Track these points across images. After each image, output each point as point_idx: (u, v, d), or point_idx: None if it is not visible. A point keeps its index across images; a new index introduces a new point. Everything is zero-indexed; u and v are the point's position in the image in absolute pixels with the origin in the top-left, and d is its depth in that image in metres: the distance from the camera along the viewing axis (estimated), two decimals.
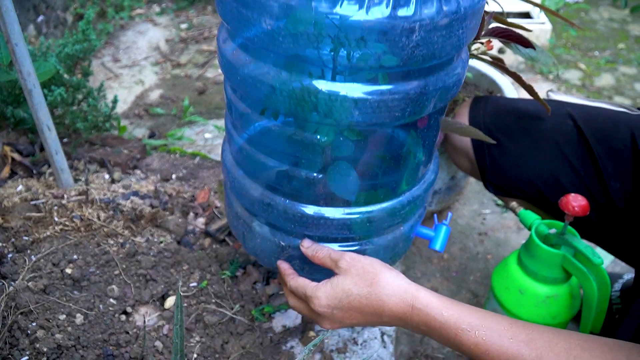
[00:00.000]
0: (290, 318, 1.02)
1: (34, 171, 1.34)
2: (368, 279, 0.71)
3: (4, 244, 1.07)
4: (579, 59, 2.42)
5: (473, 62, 1.51)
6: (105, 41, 2.41)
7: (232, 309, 1.00)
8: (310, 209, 0.76)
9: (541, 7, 1.09)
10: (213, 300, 1.01)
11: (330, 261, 0.76)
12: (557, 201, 0.92)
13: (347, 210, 0.77)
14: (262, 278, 1.09)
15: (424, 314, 0.68)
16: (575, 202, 0.89)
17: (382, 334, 1.01)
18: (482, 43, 1.00)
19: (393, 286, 0.70)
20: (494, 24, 0.98)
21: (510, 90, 1.41)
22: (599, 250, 1.23)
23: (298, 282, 0.78)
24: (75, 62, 1.43)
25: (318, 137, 0.68)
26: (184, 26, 2.57)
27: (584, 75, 2.30)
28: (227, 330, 0.97)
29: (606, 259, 1.39)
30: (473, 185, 1.66)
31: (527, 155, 1.06)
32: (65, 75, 1.39)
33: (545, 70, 2.26)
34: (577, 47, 2.53)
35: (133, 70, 2.24)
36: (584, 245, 0.91)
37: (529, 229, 0.99)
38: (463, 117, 1.12)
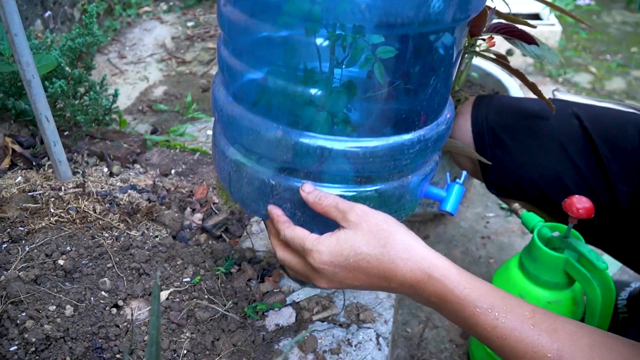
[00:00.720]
0: (284, 317, 1.00)
1: (34, 163, 1.33)
2: (382, 237, 0.63)
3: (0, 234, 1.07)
4: (589, 62, 2.39)
5: (478, 62, 1.48)
6: (112, 38, 2.41)
7: (224, 305, 0.98)
8: (307, 138, 0.66)
9: (552, 5, 1.07)
10: (206, 296, 0.99)
11: (336, 212, 0.66)
12: (561, 203, 0.89)
13: (350, 142, 0.66)
14: (257, 275, 1.07)
15: (440, 285, 0.61)
16: (580, 204, 0.87)
17: (378, 336, 0.99)
18: (483, 39, 0.98)
19: (410, 250, 0.62)
20: (496, 20, 0.95)
21: (517, 90, 1.38)
22: (606, 257, 1.20)
23: (295, 232, 0.68)
24: (77, 56, 1.42)
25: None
26: (190, 24, 2.57)
27: (595, 78, 2.27)
28: (219, 327, 0.95)
29: (613, 267, 1.36)
30: (477, 188, 1.63)
31: (530, 155, 1.03)
32: (67, 69, 1.38)
33: (554, 72, 2.23)
34: (587, 50, 2.49)
35: (138, 66, 2.24)
36: (588, 249, 0.89)
37: (532, 231, 0.96)
38: (465, 115, 1.10)
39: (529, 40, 0.92)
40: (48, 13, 2.07)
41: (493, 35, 0.97)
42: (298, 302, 1.04)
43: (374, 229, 0.63)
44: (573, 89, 2.16)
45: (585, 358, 0.56)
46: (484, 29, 0.92)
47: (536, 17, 2.28)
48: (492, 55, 1.02)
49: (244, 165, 0.74)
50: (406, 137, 0.69)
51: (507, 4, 1.12)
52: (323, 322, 1.01)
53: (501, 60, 1.01)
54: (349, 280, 0.65)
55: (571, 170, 0.99)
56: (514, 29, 0.92)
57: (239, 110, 0.71)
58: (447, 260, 0.63)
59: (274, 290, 1.05)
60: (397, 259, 0.62)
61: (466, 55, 1.05)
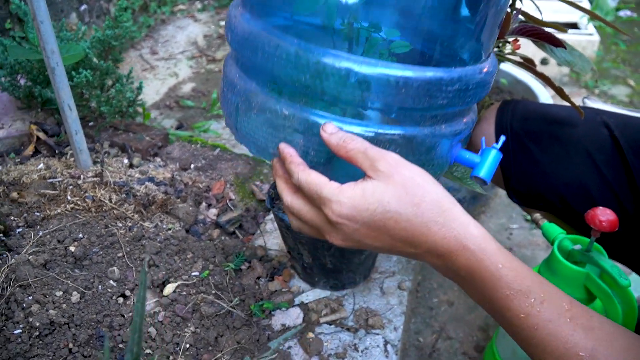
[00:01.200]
0: (291, 317, 0.98)
1: (57, 151, 1.35)
2: (416, 194, 0.54)
3: (16, 218, 1.08)
4: (628, 75, 2.30)
5: (507, 68, 1.44)
6: (146, 34, 2.45)
7: (230, 301, 0.96)
8: (330, 57, 0.57)
9: (591, 14, 1.03)
10: (213, 292, 0.98)
11: (364, 158, 0.56)
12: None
13: (381, 67, 0.57)
14: (267, 274, 1.06)
15: (474, 258, 0.53)
16: (603, 216, 0.82)
17: (386, 342, 0.96)
18: (508, 42, 0.94)
19: (446, 213, 0.54)
20: (522, 23, 0.92)
21: (547, 98, 1.34)
22: (633, 278, 1.14)
23: (311, 176, 0.57)
24: (106, 48, 1.44)
25: None
26: (223, 23, 2.59)
27: (633, 92, 2.18)
28: (224, 324, 0.94)
29: (638, 284, 1.29)
30: (502, 198, 1.58)
31: (555, 163, 0.99)
32: (95, 60, 1.40)
33: (591, 83, 2.16)
34: (627, 62, 2.40)
35: (169, 63, 2.26)
36: (611, 264, 0.84)
37: (552, 243, 0.92)
38: (489, 120, 1.06)
39: (556, 42, 0.88)
40: (84, 7, 2.11)
41: (518, 38, 0.93)
42: (306, 303, 1.02)
43: (407, 183, 0.54)
44: (609, 101, 2.08)
45: None
46: (509, 31, 0.89)
47: (574, 26, 2.21)
48: (518, 58, 0.98)
49: (255, 94, 0.64)
50: (446, 72, 0.59)
51: (539, 11, 1.08)
52: (330, 325, 0.99)
53: (528, 64, 0.97)
54: (369, 240, 0.56)
55: (597, 180, 0.94)
56: (540, 31, 0.89)
57: (255, 26, 0.62)
58: (485, 232, 0.55)
59: (283, 290, 1.03)
60: (431, 222, 0.54)
61: None
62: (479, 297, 0.57)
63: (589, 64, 1.04)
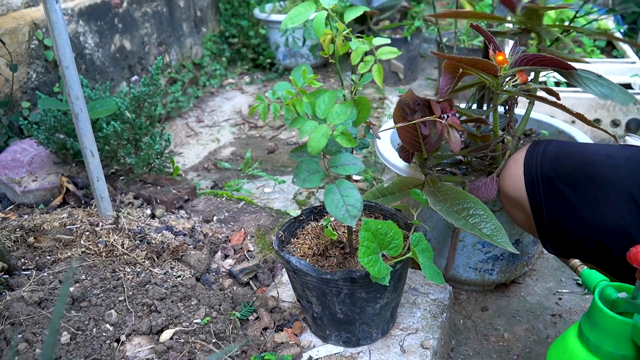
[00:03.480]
0: None
1: (83, 202, 1.36)
2: None
3: (27, 261, 1.06)
4: None
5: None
6: (194, 104, 2.54)
7: (230, 351, 0.88)
8: None
9: None
10: (213, 340, 0.90)
11: None
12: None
13: None
14: (275, 325, 0.97)
15: None
16: None
17: None
18: (513, 76, 0.87)
19: None
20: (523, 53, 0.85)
21: (584, 136, 1.23)
22: None
23: None
24: (139, 104, 1.47)
25: None
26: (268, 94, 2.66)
27: None
28: None
29: None
30: (551, 261, 1.44)
31: (593, 207, 0.88)
32: (128, 115, 1.44)
33: None
34: None
35: (212, 129, 2.32)
36: None
37: (593, 291, 0.79)
38: (518, 163, 0.97)
39: (565, 66, 0.80)
40: (135, 77, 2.23)
41: (524, 70, 0.86)
42: (316, 359, 0.92)
43: None
44: None
45: None
46: (510, 64, 0.83)
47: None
48: (543, 94, 0.91)
49: None
50: None
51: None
52: None
53: (536, 96, 0.89)
54: None
55: None
56: (544, 58, 0.81)
57: None
58: None
59: (290, 342, 0.94)
60: None
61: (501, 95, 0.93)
62: None
63: (631, 97, 0.95)
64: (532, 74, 1.08)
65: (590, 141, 1.26)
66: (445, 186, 0.98)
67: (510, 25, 1.07)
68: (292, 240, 0.98)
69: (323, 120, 0.68)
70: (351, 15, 0.67)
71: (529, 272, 1.38)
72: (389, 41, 0.63)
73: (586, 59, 0.99)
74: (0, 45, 1.52)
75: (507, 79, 0.89)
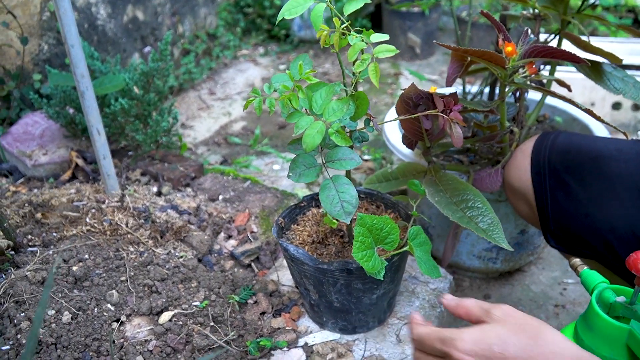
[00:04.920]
0: (291, 359, 0.90)
1: (91, 177, 1.38)
2: (531, 331, 0.58)
3: (34, 237, 1.08)
4: None
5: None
6: (207, 76, 2.53)
7: (226, 335, 0.89)
8: None
9: None
10: (210, 324, 0.92)
11: (479, 310, 0.62)
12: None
13: None
14: (273, 310, 0.98)
15: None
16: None
17: None
18: (522, 67, 0.84)
19: (562, 345, 0.57)
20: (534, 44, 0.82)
21: (603, 129, 1.20)
22: None
23: (430, 327, 0.63)
24: (148, 80, 1.47)
25: None
26: (282, 67, 2.63)
27: None
28: (215, 358, 0.87)
29: None
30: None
31: (599, 202, 0.86)
32: (136, 91, 1.43)
33: None
34: None
35: (224, 102, 2.31)
36: None
37: (591, 293, 0.78)
38: (525, 153, 0.96)
39: (574, 59, 0.78)
40: (147, 48, 2.22)
41: (533, 61, 0.83)
42: (311, 345, 0.93)
43: (521, 322, 0.59)
44: None
45: None
46: (519, 55, 0.80)
47: None
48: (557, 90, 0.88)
49: None
50: None
51: (588, 37, 0.98)
52: None
53: (544, 89, 0.86)
54: None
55: None
56: (553, 50, 0.78)
57: None
58: None
59: (286, 328, 0.95)
60: (549, 352, 0.56)
61: (509, 86, 0.91)
62: None
63: None
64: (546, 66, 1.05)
65: (605, 130, 1.23)
66: (447, 175, 0.97)
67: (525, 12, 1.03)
68: (292, 226, 0.98)
69: (320, 115, 0.67)
70: (351, 7, 0.65)
71: (534, 260, 1.37)
72: (387, 37, 0.61)
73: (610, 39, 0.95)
74: (11, 18, 1.51)
75: (517, 71, 0.86)
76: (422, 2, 2.15)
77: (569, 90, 0.89)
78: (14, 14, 1.52)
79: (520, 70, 0.83)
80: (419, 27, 2.53)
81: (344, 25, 0.63)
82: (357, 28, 0.65)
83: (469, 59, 0.92)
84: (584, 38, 0.93)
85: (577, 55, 0.76)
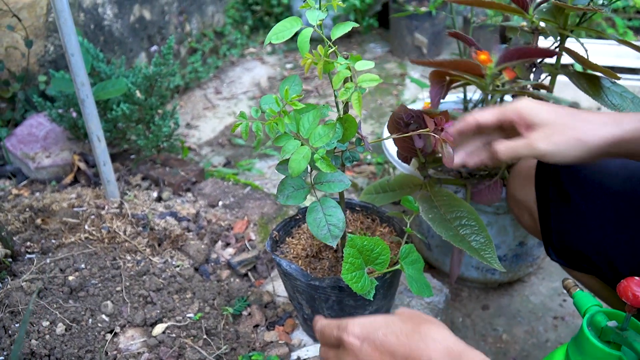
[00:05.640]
0: None
1: (93, 181, 1.39)
2: (417, 320, 0.61)
3: (33, 244, 1.10)
4: None
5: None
6: (214, 74, 2.53)
7: (219, 349, 0.90)
8: None
9: None
10: (203, 337, 0.92)
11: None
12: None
13: None
14: (266, 322, 0.99)
15: None
16: (639, 287, 0.68)
17: None
18: (500, 72, 0.85)
19: (444, 333, 0.59)
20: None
21: None
22: None
23: (330, 320, 0.67)
24: (151, 84, 1.47)
25: None
26: (289, 66, 2.62)
27: None
28: None
29: None
30: None
31: (602, 218, 0.85)
32: (138, 95, 1.44)
33: None
34: None
35: (230, 102, 2.31)
36: None
37: (583, 316, 0.78)
38: (530, 163, 0.95)
39: (547, 54, 0.79)
40: (154, 47, 2.22)
41: (508, 66, 0.83)
42: (304, 359, 0.93)
43: (412, 314, 0.63)
44: None
45: None
46: (497, 62, 0.80)
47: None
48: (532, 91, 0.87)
49: None
50: None
51: (587, 51, 0.97)
52: None
53: (523, 91, 0.86)
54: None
55: None
56: (527, 50, 0.81)
57: None
58: (478, 353, 0.58)
59: (279, 342, 0.95)
60: (429, 338, 0.58)
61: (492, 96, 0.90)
62: None
63: None
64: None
65: None
66: (442, 191, 0.96)
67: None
68: (287, 239, 0.98)
69: (306, 139, 0.66)
70: (339, 32, 0.64)
71: (535, 270, 1.36)
72: (372, 65, 0.61)
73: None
74: (16, 21, 1.52)
75: (497, 78, 0.86)
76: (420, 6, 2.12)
77: (549, 91, 0.88)
78: (19, 17, 1.53)
79: (500, 77, 0.84)
80: (426, 27, 2.50)
81: (332, 50, 0.63)
82: (345, 53, 0.64)
83: (448, 78, 0.92)
84: (582, 54, 0.91)
85: (550, 49, 0.80)
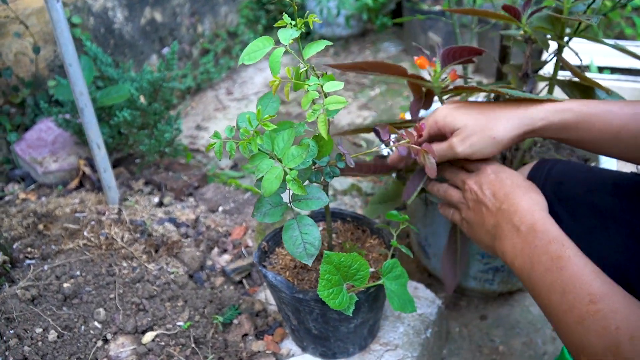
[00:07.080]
0: None
1: (97, 186, 1.41)
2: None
3: (34, 250, 1.12)
4: None
5: None
6: (226, 75, 2.54)
7: (205, 358, 0.91)
8: None
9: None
10: (191, 345, 0.94)
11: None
12: None
13: None
14: (255, 331, 0.99)
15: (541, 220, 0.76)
16: None
17: None
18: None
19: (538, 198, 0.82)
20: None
21: (611, 161, 1.15)
22: None
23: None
24: (155, 89, 1.49)
25: None
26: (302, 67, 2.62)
27: None
28: None
29: None
30: None
31: (590, 238, 0.83)
32: (142, 101, 1.46)
33: None
34: None
35: (241, 103, 2.32)
36: None
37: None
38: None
39: (477, 52, 0.84)
40: (166, 49, 2.25)
41: (454, 68, 0.87)
42: None
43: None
44: None
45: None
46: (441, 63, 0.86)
47: (637, 72, 1.93)
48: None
49: None
50: None
51: (578, 56, 0.95)
52: None
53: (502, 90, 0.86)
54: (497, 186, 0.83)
55: (638, 264, 0.77)
56: (460, 49, 0.86)
57: None
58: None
59: (267, 352, 0.96)
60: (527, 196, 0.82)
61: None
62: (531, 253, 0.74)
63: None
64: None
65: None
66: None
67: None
68: (276, 249, 0.99)
69: (280, 159, 0.66)
70: (311, 51, 0.64)
71: None
72: (341, 86, 0.60)
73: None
74: (24, 29, 1.56)
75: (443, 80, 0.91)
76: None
77: (502, 94, 0.88)
78: (28, 23, 1.56)
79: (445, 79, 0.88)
80: (439, 26, 2.47)
81: (304, 68, 0.63)
82: (318, 72, 0.64)
83: (424, 89, 0.94)
84: (574, 65, 0.89)
85: (478, 48, 0.85)
